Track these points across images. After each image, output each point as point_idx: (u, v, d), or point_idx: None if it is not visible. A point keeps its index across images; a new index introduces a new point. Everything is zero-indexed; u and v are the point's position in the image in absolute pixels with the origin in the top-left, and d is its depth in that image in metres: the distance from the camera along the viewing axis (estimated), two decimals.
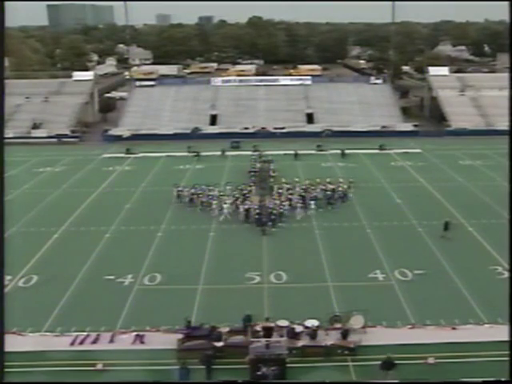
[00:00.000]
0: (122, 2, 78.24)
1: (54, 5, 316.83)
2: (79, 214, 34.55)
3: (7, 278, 24.46)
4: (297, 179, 38.72)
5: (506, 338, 18.33)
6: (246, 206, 32.62)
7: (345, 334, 18.97)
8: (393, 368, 17.04)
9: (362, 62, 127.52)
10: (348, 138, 56.40)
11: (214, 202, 33.72)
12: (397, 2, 78.07)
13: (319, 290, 23.28)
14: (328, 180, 37.48)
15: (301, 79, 75.30)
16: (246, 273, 25.08)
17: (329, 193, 35.59)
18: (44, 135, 60.21)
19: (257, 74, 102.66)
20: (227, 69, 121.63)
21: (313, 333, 18.96)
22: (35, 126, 61.93)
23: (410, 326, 20.06)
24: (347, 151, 50.33)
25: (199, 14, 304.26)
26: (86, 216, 34.13)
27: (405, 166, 46.77)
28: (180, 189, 36.64)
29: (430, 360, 17.86)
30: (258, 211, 31.52)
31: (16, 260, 26.46)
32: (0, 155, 6.57)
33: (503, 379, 8.45)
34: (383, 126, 60.13)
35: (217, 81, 74.84)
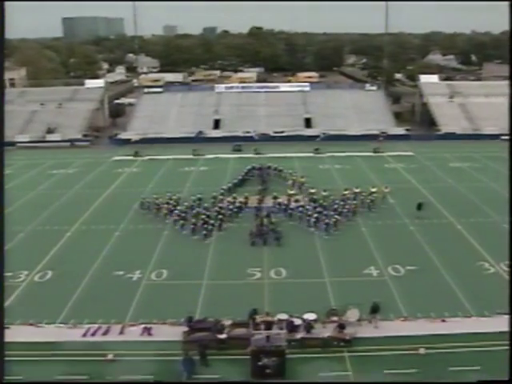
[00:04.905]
0: (131, 14, 78.47)
1: (69, 18, 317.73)
2: (90, 213, 34.55)
3: (24, 273, 24.63)
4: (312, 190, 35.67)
5: (492, 329, 18.51)
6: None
7: (341, 326, 18.96)
8: (378, 311, 19.59)
9: (364, 73, 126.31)
10: (344, 141, 56.39)
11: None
12: (390, 14, 78.33)
13: (317, 285, 23.27)
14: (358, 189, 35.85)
15: (299, 86, 75.18)
16: (247, 269, 25.08)
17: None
18: (58, 139, 60.18)
19: (258, 81, 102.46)
20: (230, 76, 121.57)
21: (310, 326, 18.95)
22: (50, 131, 61.95)
23: (402, 319, 20.05)
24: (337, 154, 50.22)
25: (203, 25, 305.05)
26: (96, 215, 34.13)
27: (398, 167, 46.70)
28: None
29: (421, 350, 17.87)
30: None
31: (32, 256, 26.61)
32: (0, 155, 6.42)
33: (503, 379, 8.25)
34: (381, 132, 59.90)
35: (220, 87, 74.74)
